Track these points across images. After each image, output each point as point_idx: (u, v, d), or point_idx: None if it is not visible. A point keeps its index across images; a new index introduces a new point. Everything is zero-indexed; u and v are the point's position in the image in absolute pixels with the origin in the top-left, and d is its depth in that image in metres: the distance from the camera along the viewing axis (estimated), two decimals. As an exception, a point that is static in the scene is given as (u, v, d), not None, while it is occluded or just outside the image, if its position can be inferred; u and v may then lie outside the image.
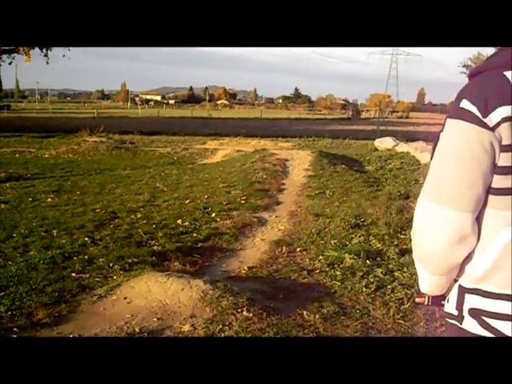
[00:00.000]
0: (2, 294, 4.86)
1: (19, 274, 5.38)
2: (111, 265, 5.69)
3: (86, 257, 5.99)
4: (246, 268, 5.93)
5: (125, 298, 4.78)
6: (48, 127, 33.59)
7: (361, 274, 5.44)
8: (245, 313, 4.43)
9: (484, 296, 1.37)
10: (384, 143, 21.09)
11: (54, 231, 7.13)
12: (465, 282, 1.42)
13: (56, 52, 31.64)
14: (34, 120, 43.04)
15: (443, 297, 1.55)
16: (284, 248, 6.60)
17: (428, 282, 1.51)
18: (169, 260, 5.90)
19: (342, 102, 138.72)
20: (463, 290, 1.42)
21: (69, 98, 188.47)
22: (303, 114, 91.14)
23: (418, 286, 1.59)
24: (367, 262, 5.78)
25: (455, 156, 1.33)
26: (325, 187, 11.07)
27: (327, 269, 5.71)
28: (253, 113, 78.49)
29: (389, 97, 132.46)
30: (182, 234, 7.13)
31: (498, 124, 1.27)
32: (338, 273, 5.55)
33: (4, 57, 32.91)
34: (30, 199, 9.87)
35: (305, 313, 4.56)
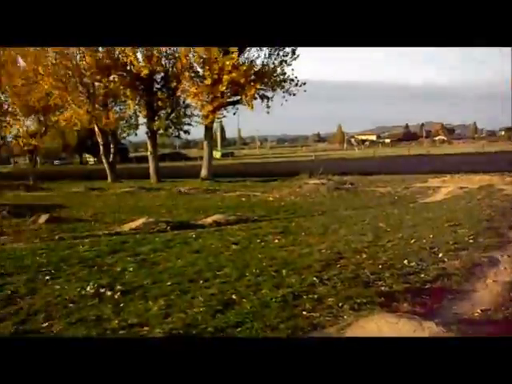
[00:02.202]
0: (238, 329, 5.18)
1: (253, 310, 5.70)
2: (340, 304, 5.76)
3: (316, 296, 6.14)
4: (479, 311, 5.61)
5: (356, 338, 4.80)
6: (269, 171, 35.43)
7: None
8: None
9: None
10: None
11: (283, 271, 7.43)
12: None
13: (276, 100, 33.26)
14: (255, 165, 45.71)
15: None
16: (522, 290, 6.13)
17: None
18: (397, 301, 5.82)
19: None
20: None
21: (287, 143, 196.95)
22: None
23: None
24: None
25: None
26: None
27: None
28: (474, 147, 75.26)
29: None
30: (409, 275, 6.99)
31: None
32: None
33: (229, 108, 35.45)
34: (259, 240, 10.41)
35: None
